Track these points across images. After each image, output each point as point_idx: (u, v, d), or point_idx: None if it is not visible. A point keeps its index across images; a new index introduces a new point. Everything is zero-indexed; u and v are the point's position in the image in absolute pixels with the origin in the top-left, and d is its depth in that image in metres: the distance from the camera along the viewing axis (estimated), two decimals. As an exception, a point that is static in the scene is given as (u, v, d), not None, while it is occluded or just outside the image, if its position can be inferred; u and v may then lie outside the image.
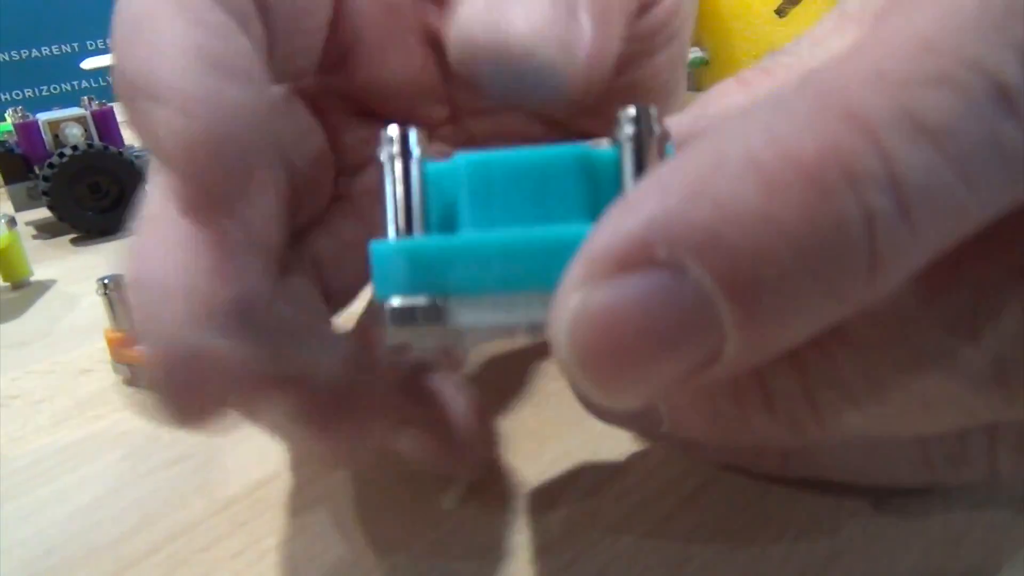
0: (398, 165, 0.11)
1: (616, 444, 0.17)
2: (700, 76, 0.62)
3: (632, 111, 0.10)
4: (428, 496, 0.17)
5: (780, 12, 0.53)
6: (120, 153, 0.38)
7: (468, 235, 0.11)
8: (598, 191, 0.11)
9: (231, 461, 0.19)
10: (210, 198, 0.11)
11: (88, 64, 0.75)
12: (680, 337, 0.08)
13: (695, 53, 0.60)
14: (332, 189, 0.18)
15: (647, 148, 0.10)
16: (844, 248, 0.08)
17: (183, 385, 0.11)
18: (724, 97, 0.14)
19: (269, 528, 0.16)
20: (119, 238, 0.39)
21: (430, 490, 0.17)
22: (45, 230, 0.41)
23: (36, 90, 1.31)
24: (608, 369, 0.09)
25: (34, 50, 1.25)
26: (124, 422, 0.21)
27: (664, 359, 0.08)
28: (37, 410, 0.22)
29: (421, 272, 0.10)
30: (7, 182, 0.40)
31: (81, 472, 0.19)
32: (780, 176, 0.08)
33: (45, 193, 0.37)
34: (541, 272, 0.10)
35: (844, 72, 0.08)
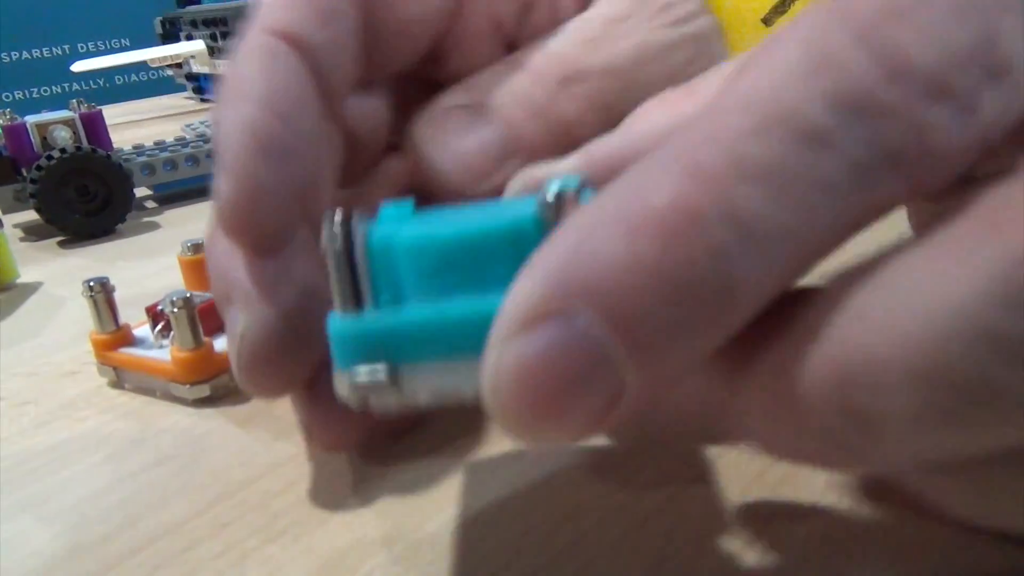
0: (343, 250, 0.12)
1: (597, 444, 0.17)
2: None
3: (554, 186, 0.11)
4: (413, 498, 0.17)
5: (767, 21, 0.54)
6: (108, 156, 0.38)
7: (414, 311, 0.12)
8: (527, 254, 0.11)
9: (214, 463, 0.19)
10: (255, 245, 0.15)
11: (78, 67, 0.75)
12: (584, 377, 0.09)
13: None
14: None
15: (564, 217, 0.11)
16: (699, 279, 0.09)
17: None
18: (647, 116, 0.15)
19: (251, 529, 0.16)
20: (106, 241, 0.39)
21: (415, 491, 0.17)
22: (32, 232, 0.41)
23: (26, 92, 1.31)
24: (526, 417, 0.10)
25: (24, 52, 1.25)
26: (108, 424, 0.21)
27: (575, 400, 0.10)
28: (22, 412, 0.22)
29: (374, 347, 0.12)
30: (-6, 184, 0.40)
31: (64, 473, 0.19)
32: (641, 226, 0.09)
33: (32, 196, 0.37)
34: (483, 340, 0.11)
35: (692, 132, 0.10)
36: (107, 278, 0.22)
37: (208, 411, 0.21)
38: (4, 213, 0.40)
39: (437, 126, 0.19)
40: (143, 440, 0.20)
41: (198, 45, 0.78)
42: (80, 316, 0.28)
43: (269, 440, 0.20)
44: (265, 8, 0.17)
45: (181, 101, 0.88)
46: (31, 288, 0.33)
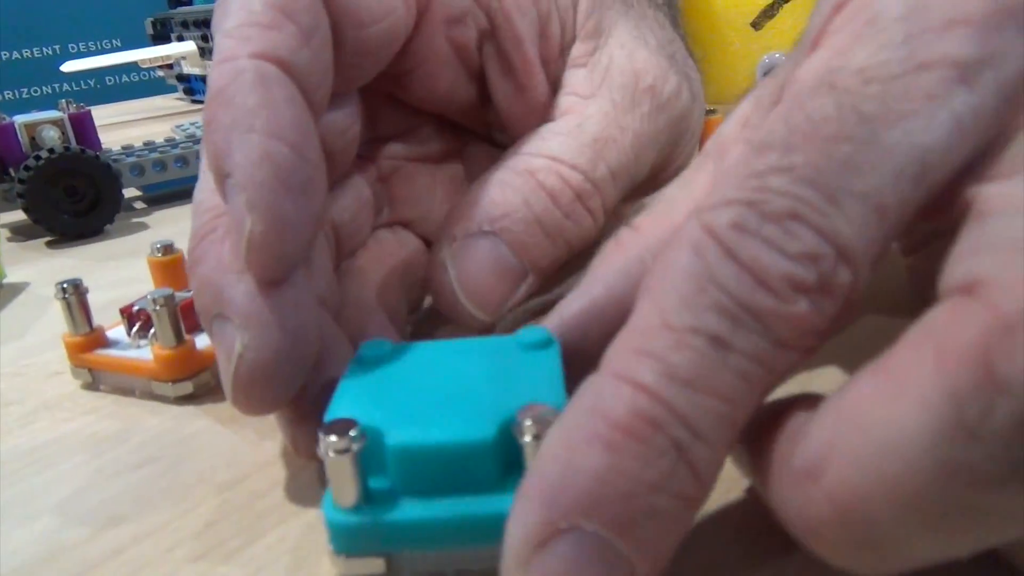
0: (342, 460, 0.13)
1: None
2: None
3: (531, 425, 0.13)
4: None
5: (756, 25, 0.54)
6: (97, 156, 0.38)
7: (404, 511, 0.14)
8: (500, 462, 0.14)
9: (199, 463, 0.19)
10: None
11: (68, 67, 0.75)
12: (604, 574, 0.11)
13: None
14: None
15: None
16: (671, 467, 0.11)
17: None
18: (607, 261, 0.17)
19: (236, 529, 0.16)
20: (95, 241, 0.38)
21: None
22: (20, 233, 0.41)
23: (16, 92, 1.31)
24: None
25: (15, 52, 1.24)
26: (92, 424, 0.21)
27: None
28: (6, 412, 0.22)
29: (370, 540, 0.14)
30: (-20, 184, 0.39)
31: (48, 474, 0.19)
32: (613, 438, 0.11)
33: (20, 195, 0.37)
34: (472, 535, 0.14)
35: (622, 355, 0.12)
36: (80, 280, 0.22)
37: (192, 409, 0.21)
38: (-10, 213, 0.40)
39: (460, 255, 0.20)
40: (127, 440, 0.20)
41: (189, 46, 0.78)
42: (66, 316, 0.28)
43: (255, 439, 0.20)
44: (244, 27, 0.16)
45: (172, 102, 0.88)
46: (18, 288, 0.33)
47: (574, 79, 0.23)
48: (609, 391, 0.12)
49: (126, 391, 0.23)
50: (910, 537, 0.10)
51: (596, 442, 0.11)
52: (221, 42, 0.17)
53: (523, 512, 0.11)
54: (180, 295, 0.22)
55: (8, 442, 0.21)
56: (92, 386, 0.23)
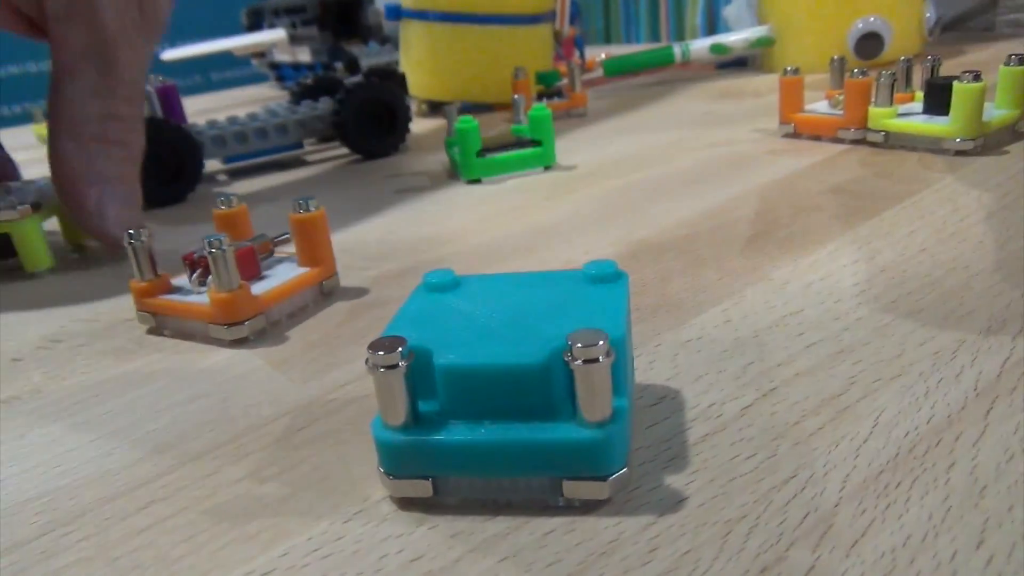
0: (389, 376, 0.13)
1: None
2: (766, 55, 0.60)
3: (582, 347, 0.13)
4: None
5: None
6: (180, 126, 0.40)
7: (450, 433, 0.14)
8: (552, 388, 0.13)
9: (245, 399, 0.19)
10: None
11: (168, 56, 0.79)
12: None
13: (761, 32, 0.58)
14: None
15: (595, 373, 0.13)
16: None
17: None
18: None
19: (272, 459, 0.16)
20: (177, 208, 0.40)
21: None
22: (112, 202, 0.43)
23: None
24: None
25: None
26: (153, 364, 0.22)
27: None
28: (78, 352, 0.23)
29: (417, 460, 0.14)
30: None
31: (108, 405, 0.20)
32: None
33: (109, 163, 0.39)
34: (518, 463, 0.13)
35: None
36: (146, 226, 0.23)
37: (245, 352, 0.22)
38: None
39: None
40: (183, 378, 0.21)
41: (279, 34, 0.81)
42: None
43: (300, 381, 0.20)
44: None
45: (265, 91, 0.91)
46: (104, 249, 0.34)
47: None
48: None
49: (187, 335, 0.23)
50: None
51: None
52: None
53: None
54: (236, 243, 0.23)
55: (75, 378, 0.21)
56: (156, 330, 0.24)
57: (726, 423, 0.16)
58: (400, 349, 0.13)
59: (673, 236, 0.27)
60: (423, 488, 0.14)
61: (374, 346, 0.13)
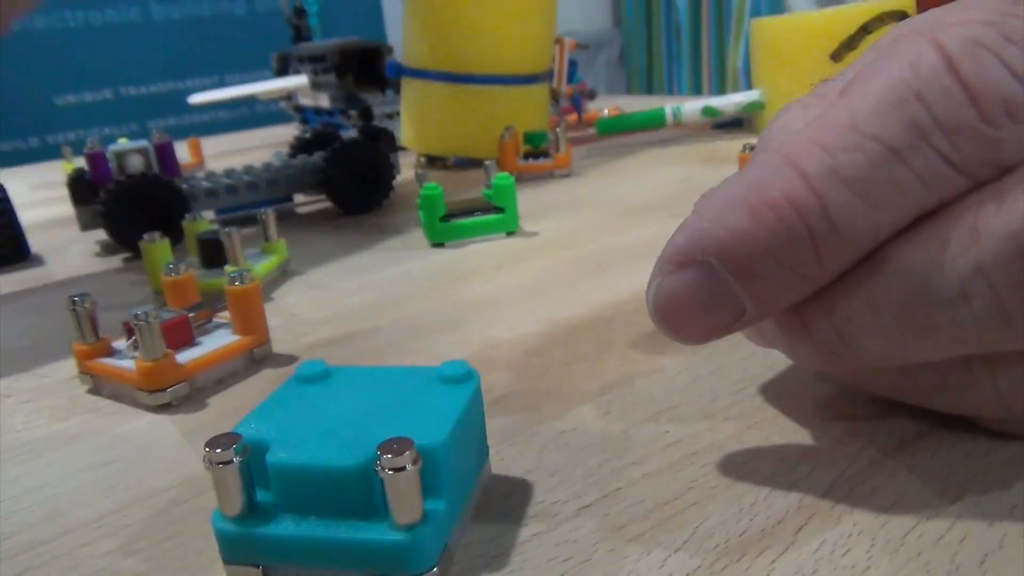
0: (224, 472, 0.15)
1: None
2: (758, 118, 0.61)
3: (390, 457, 0.14)
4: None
5: (835, 57, 0.51)
6: (169, 181, 0.42)
7: (280, 527, 0.15)
8: (371, 491, 0.15)
9: (144, 469, 0.20)
10: None
11: (194, 100, 0.83)
12: (715, 303, 0.15)
13: (752, 96, 0.59)
14: None
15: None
16: (797, 249, 0.14)
17: None
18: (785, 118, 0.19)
19: (144, 531, 0.18)
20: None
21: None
22: (107, 249, 0.45)
23: (151, 122, 1.47)
24: (673, 323, 0.16)
25: (152, 86, 1.40)
26: (81, 425, 0.23)
27: (706, 317, 0.15)
28: (18, 409, 0.25)
29: (247, 549, 0.15)
30: (76, 204, 0.44)
31: (27, 465, 0.21)
32: (759, 209, 0.14)
33: (101, 215, 0.41)
34: (339, 558, 0.15)
35: (800, 140, 0.14)
36: (88, 293, 0.25)
37: (164, 418, 0.23)
38: (83, 230, 0.45)
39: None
40: (100, 443, 0.22)
41: (302, 79, 0.84)
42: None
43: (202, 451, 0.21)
44: None
45: (292, 131, 0.95)
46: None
47: None
48: (774, 169, 0.14)
49: (120, 397, 0.25)
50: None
51: (745, 207, 0.14)
52: None
53: (676, 236, 0.15)
54: (168, 313, 0.24)
55: (11, 435, 0.23)
56: (95, 391, 0.26)
57: (559, 522, 0.17)
58: (235, 447, 0.15)
59: (596, 316, 0.28)
60: (254, 575, 0.15)
61: (211, 443, 0.15)
